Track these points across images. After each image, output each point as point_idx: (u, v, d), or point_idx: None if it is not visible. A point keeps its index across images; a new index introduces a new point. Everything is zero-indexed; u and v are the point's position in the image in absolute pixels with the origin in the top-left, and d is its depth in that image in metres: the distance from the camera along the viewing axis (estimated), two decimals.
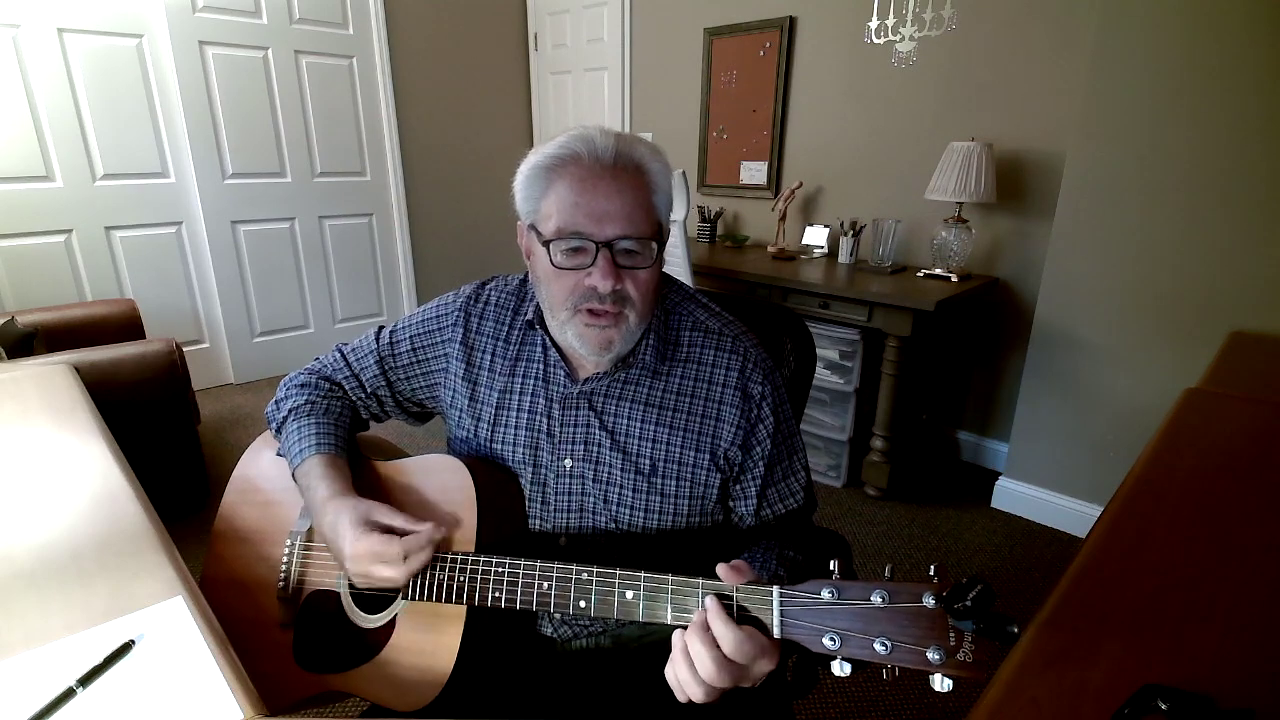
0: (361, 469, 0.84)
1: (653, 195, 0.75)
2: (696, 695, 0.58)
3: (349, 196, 3.45)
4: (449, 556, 0.72)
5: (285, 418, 0.86)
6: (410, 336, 0.89)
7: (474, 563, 0.71)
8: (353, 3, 3.23)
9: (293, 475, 0.82)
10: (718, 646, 0.57)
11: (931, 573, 0.54)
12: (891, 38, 2.27)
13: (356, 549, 0.70)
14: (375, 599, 0.78)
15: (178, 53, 2.80)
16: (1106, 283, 1.95)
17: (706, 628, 0.58)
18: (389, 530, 0.72)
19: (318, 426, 0.83)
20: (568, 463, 0.81)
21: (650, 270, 0.75)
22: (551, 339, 0.81)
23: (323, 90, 3.23)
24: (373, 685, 0.74)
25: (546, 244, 0.73)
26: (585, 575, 0.66)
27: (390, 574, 0.70)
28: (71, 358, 1.65)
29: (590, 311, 0.74)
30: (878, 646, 0.53)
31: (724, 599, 0.60)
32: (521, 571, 0.69)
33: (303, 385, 0.89)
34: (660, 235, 0.76)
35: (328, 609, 0.80)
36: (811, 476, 0.87)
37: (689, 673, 0.58)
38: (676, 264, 2.30)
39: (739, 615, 0.59)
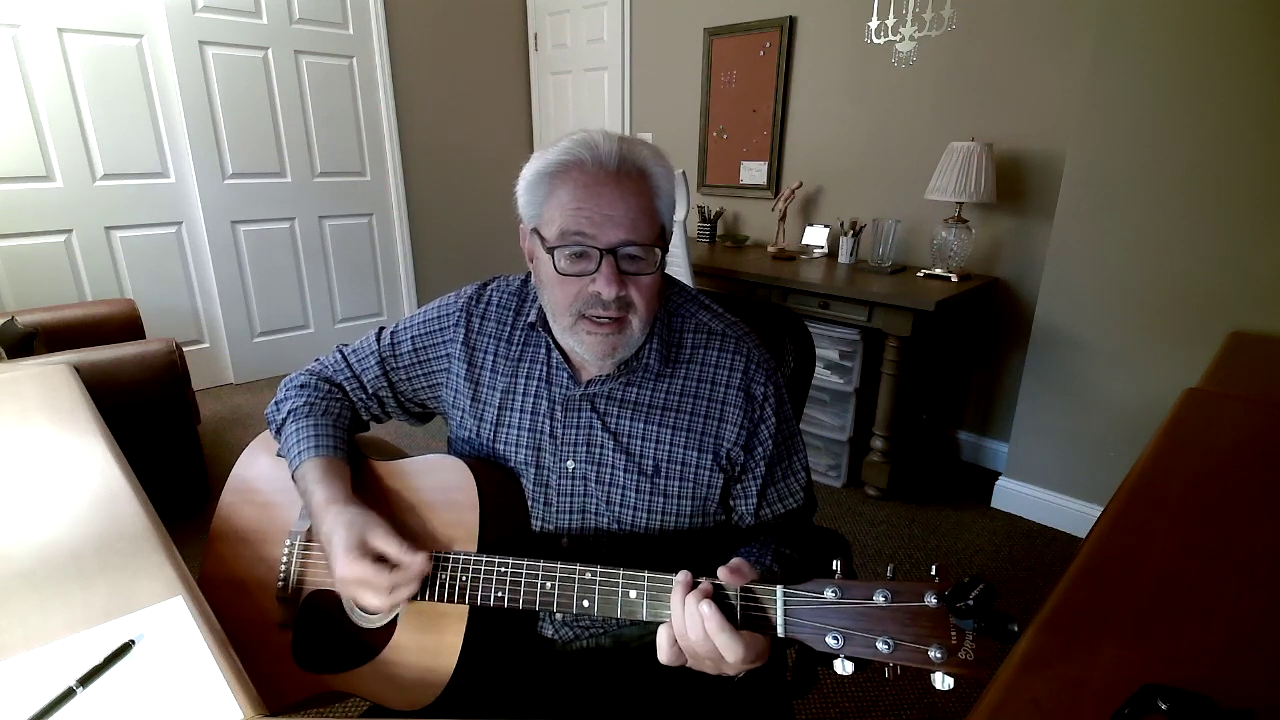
0: (364, 470, 0.84)
1: (656, 200, 0.74)
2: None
3: (349, 196, 3.45)
4: (451, 556, 0.72)
5: (284, 419, 0.85)
6: (412, 337, 0.89)
7: (476, 563, 0.71)
8: (353, 3, 3.23)
9: (292, 477, 0.82)
10: (720, 655, 0.59)
11: (933, 572, 0.55)
12: (891, 38, 2.27)
13: (347, 573, 0.69)
14: None
15: (178, 53, 2.80)
16: (1106, 283, 1.95)
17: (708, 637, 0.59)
18: (381, 557, 0.70)
19: (316, 428, 0.83)
20: (570, 464, 0.81)
21: (654, 276, 0.74)
22: (554, 340, 0.81)
23: (323, 90, 3.23)
24: (374, 685, 0.74)
25: (550, 250, 0.73)
26: (589, 575, 0.66)
27: (375, 602, 0.70)
28: (71, 358, 1.65)
29: (593, 320, 0.74)
30: (880, 645, 0.53)
31: (726, 600, 0.60)
32: (524, 571, 0.69)
33: (302, 386, 0.89)
34: (664, 240, 0.76)
35: (327, 609, 0.80)
36: (811, 477, 0.87)
37: (677, 658, 0.62)
38: (677, 264, 2.30)
39: (741, 618, 0.59)
